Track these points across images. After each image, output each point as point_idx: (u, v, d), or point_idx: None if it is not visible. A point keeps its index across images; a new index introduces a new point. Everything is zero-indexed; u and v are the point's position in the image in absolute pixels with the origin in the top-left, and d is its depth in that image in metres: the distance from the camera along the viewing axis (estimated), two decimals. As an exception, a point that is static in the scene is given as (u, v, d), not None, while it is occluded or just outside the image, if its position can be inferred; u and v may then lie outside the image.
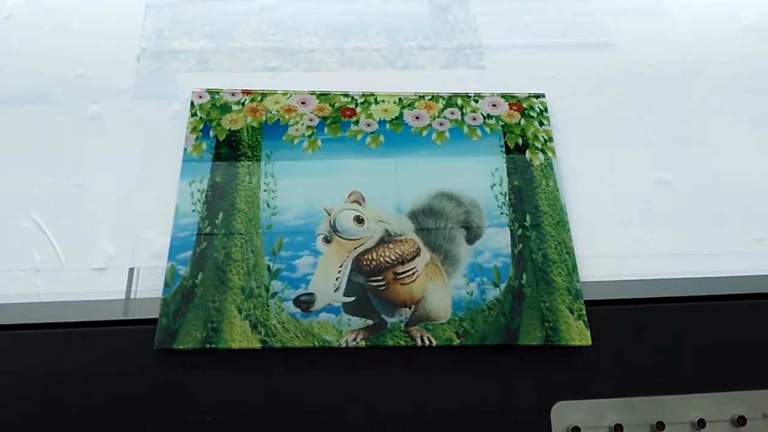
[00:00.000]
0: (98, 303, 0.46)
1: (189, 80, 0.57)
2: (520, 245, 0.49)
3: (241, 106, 0.55)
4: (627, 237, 0.51)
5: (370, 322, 0.46)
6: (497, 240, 0.50)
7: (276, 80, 0.58)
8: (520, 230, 0.50)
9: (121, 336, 0.45)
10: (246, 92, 0.56)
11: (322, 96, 0.56)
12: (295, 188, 0.51)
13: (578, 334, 0.46)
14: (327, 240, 0.49)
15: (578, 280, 0.48)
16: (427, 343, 0.45)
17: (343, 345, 0.45)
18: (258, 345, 0.44)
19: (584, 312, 0.47)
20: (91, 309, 0.45)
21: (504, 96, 0.57)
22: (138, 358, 0.44)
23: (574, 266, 0.49)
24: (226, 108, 0.55)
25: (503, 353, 0.45)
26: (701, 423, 0.45)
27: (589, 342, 0.46)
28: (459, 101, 0.57)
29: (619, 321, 0.47)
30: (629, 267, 0.49)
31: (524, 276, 0.48)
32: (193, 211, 0.49)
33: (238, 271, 0.47)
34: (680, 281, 0.49)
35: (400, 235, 0.49)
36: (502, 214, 0.51)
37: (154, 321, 0.45)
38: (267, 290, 0.46)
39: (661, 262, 0.50)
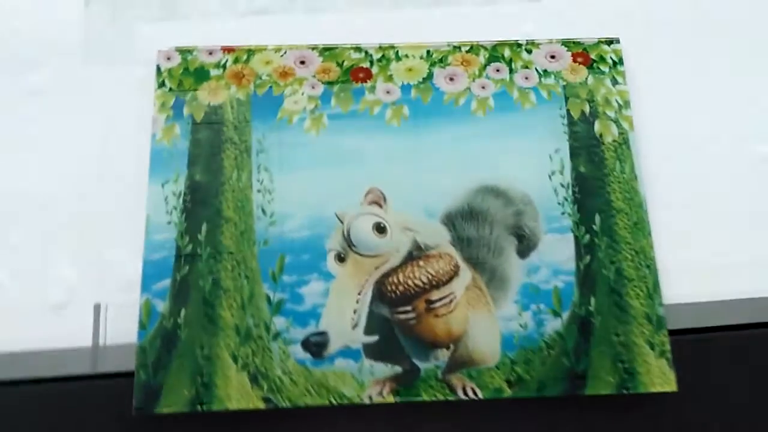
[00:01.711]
0: (59, 353, 0.36)
1: (153, 33, 0.44)
2: (588, 257, 0.39)
3: (221, 70, 0.42)
4: (725, 240, 0.40)
5: (398, 369, 0.36)
6: (558, 251, 0.39)
7: (266, 28, 0.44)
8: (588, 236, 0.39)
9: (91, 395, 0.36)
10: (227, 49, 0.43)
11: (327, 51, 0.43)
12: (297, 186, 0.40)
13: (661, 376, 0.36)
14: (340, 258, 0.38)
15: (660, 304, 0.38)
16: (471, 395, 0.36)
17: (367, 402, 0.36)
18: (261, 404, 0.36)
19: (668, 347, 0.37)
20: (51, 361, 0.36)
21: (565, 43, 0.43)
22: (113, 424, 0.35)
23: (656, 284, 0.38)
24: (202, 74, 0.42)
25: (567, 406, 0.36)
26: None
27: (674, 387, 0.36)
28: (506, 52, 0.43)
29: (712, 356, 0.38)
30: (727, 282, 0.39)
31: (593, 300, 0.38)
32: (169, 222, 0.39)
33: (231, 304, 0.37)
34: (791, 298, 0.39)
35: (433, 248, 0.39)
36: (563, 214, 0.39)
37: (129, 374, 0.36)
38: (268, 330, 0.37)
39: (768, 274, 0.39)
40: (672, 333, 0.37)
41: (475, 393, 0.36)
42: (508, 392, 0.36)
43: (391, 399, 0.36)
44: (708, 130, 0.42)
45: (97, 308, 0.38)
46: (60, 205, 0.40)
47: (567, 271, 0.38)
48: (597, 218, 0.39)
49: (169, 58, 0.42)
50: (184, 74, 0.42)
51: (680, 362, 0.37)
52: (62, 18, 0.44)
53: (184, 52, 0.42)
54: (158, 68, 0.42)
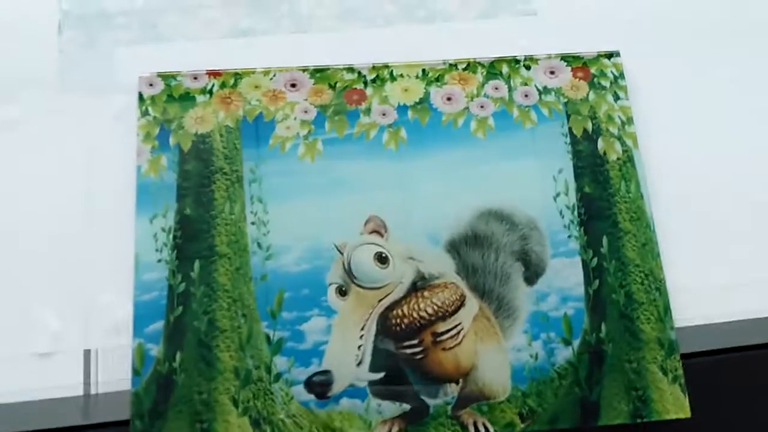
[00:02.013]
0: (48, 404, 0.34)
1: (133, 58, 0.41)
2: (596, 282, 0.37)
3: (208, 96, 0.40)
4: (735, 258, 0.39)
5: (406, 406, 0.35)
6: (566, 276, 0.38)
7: (252, 50, 0.42)
8: (596, 260, 0.38)
9: (84, 448, 0.34)
10: (213, 73, 0.41)
11: (318, 73, 0.41)
12: (293, 217, 0.38)
13: (674, 403, 0.36)
14: (342, 291, 0.37)
15: (672, 327, 0.37)
16: (482, 431, 0.35)
17: (375, 443, 0.34)
18: (264, 451, 0.34)
19: (681, 372, 0.36)
20: (39, 413, 0.34)
21: (565, 58, 0.42)
22: (110, 477, 0.34)
23: (667, 307, 0.37)
24: (188, 100, 0.40)
25: (580, 438, 0.35)
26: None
27: (688, 413, 0.35)
28: (504, 69, 0.42)
29: (725, 379, 0.37)
30: (739, 302, 0.38)
31: (603, 327, 0.37)
32: (159, 261, 0.37)
33: (228, 346, 0.36)
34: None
35: (437, 278, 0.37)
36: (570, 237, 0.38)
37: (124, 423, 0.34)
38: (269, 371, 0.35)
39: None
40: (684, 356, 0.36)
41: (486, 429, 0.35)
42: (520, 426, 0.35)
43: (400, 439, 0.34)
44: (715, 144, 0.41)
45: (87, 354, 0.35)
46: (42, 245, 0.37)
47: (576, 297, 0.37)
48: (604, 240, 0.38)
49: (151, 85, 0.40)
50: (169, 101, 0.40)
51: (693, 386, 0.36)
52: (35, 46, 0.41)
53: (167, 77, 0.40)
54: (140, 95, 0.40)
